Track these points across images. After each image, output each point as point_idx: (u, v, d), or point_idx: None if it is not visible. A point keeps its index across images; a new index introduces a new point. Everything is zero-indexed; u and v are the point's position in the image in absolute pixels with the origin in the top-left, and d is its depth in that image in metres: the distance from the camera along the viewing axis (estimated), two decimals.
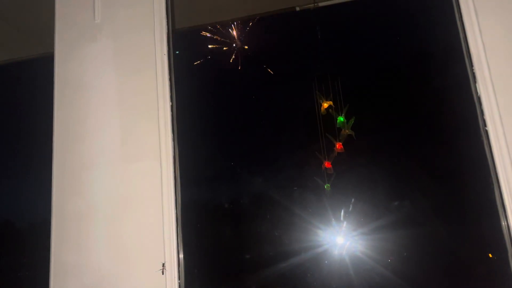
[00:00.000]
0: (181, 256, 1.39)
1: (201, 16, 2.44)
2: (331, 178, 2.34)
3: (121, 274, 1.37)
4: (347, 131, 2.41)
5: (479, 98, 1.30)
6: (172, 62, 1.53)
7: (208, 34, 2.16)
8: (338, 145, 2.40)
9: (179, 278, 1.34)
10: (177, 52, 1.61)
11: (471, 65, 1.32)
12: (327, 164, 2.39)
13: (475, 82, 1.32)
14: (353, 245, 1.97)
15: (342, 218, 2.07)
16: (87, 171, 1.47)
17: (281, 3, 2.49)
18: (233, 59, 2.40)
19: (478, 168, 1.44)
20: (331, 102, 2.48)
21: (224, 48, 2.31)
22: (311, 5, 2.49)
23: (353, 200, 2.09)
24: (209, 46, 2.25)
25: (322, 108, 2.48)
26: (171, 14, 1.55)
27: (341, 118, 2.42)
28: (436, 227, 1.91)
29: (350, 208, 2.09)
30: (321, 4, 2.49)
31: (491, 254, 1.77)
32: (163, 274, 1.34)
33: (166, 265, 1.34)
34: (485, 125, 1.29)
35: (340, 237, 2.01)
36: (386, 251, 1.89)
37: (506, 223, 1.24)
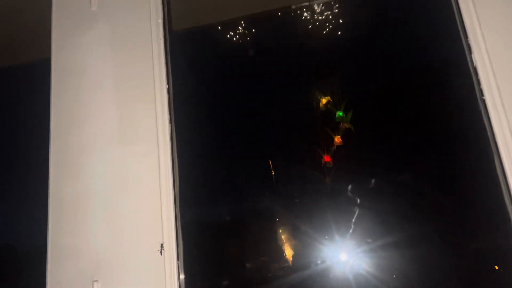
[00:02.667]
0: (180, 236, 1.37)
1: (195, 17, 2.46)
2: (331, 172, 2.33)
3: (119, 256, 1.35)
4: (345, 125, 2.41)
5: (475, 69, 1.30)
6: (168, 46, 1.53)
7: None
8: (337, 139, 2.39)
9: (177, 259, 1.32)
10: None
11: (466, 36, 1.32)
12: (326, 158, 2.38)
13: (470, 53, 1.32)
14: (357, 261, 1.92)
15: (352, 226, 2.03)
16: (84, 155, 1.47)
17: (277, 2, 2.51)
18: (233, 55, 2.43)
19: (484, 179, 1.43)
20: (329, 98, 2.48)
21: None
22: (307, 3, 2.52)
23: (357, 211, 2.06)
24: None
25: (320, 104, 2.49)
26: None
27: (339, 113, 2.43)
28: (440, 242, 1.88)
29: (355, 216, 2.07)
30: (316, 2, 2.52)
31: (497, 267, 1.75)
32: (161, 254, 1.31)
33: (165, 245, 1.32)
34: (482, 94, 1.28)
35: (344, 253, 1.97)
36: (391, 267, 1.86)
37: None
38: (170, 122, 1.46)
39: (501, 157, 1.23)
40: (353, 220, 2.03)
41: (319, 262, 1.94)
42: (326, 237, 1.96)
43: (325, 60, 2.47)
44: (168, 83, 1.49)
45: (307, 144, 2.39)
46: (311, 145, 2.36)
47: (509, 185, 1.21)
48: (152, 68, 1.49)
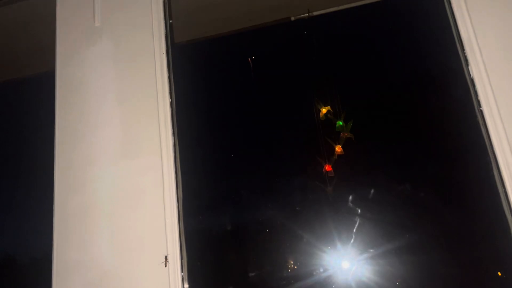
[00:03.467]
0: (184, 248, 1.38)
1: (195, 30, 2.49)
2: (332, 181, 2.35)
3: (124, 268, 1.36)
4: (346, 134, 2.43)
5: (472, 80, 1.33)
6: (170, 60, 1.56)
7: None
8: (338, 148, 2.41)
9: (182, 271, 1.34)
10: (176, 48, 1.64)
11: (463, 48, 1.35)
12: (327, 168, 2.40)
13: (467, 65, 1.34)
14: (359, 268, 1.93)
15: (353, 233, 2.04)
16: (88, 168, 1.49)
17: (276, 14, 2.55)
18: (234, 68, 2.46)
19: (483, 188, 1.45)
20: (329, 107, 2.51)
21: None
22: (306, 15, 2.55)
23: (358, 221, 2.07)
24: None
25: (320, 114, 2.51)
26: (169, 12, 1.60)
27: (340, 122, 2.45)
28: (442, 249, 1.89)
29: (356, 225, 2.08)
30: (315, 13, 2.55)
31: (500, 273, 1.75)
32: (165, 266, 1.33)
33: (169, 257, 1.34)
34: (479, 105, 1.31)
35: (346, 261, 1.98)
36: (392, 274, 1.86)
37: None
38: (173, 135, 1.48)
39: (499, 166, 1.25)
40: (354, 230, 2.04)
41: (321, 270, 1.95)
42: (329, 247, 1.98)
43: (324, 70, 2.50)
44: (170, 96, 1.52)
45: (308, 154, 2.41)
46: (312, 155, 2.38)
47: (507, 194, 1.23)
48: (155, 82, 1.52)
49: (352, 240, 2.02)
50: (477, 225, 1.83)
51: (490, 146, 1.27)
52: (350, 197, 2.19)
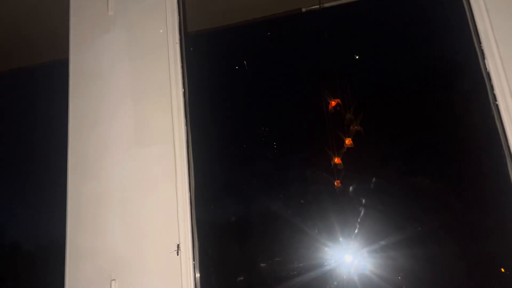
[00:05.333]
0: (196, 237, 1.39)
1: (208, 20, 2.49)
2: (341, 174, 2.35)
3: (136, 256, 1.37)
4: (356, 127, 2.43)
5: (488, 74, 1.32)
6: (184, 50, 1.56)
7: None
8: (348, 141, 2.41)
9: (193, 259, 1.35)
10: (191, 49, 1.65)
11: (479, 42, 1.34)
12: (337, 160, 2.40)
13: (483, 58, 1.33)
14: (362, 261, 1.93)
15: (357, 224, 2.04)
16: (102, 156, 1.50)
17: (287, 5, 2.53)
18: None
19: (496, 182, 1.44)
20: (339, 100, 2.50)
21: None
22: (317, 6, 2.53)
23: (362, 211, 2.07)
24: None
25: (330, 106, 2.51)
26: (182, 2, 1.59)
27: (349, 115, 2.45)
28: (447, 243, 1.88)
29: (360, 216, 2.08)
30: (326, 5, 2.53)
31: (503, 269, 1.75)
32: (177, 255, 1.34)
33: (181, 246, 1.35)
34: (495, 99, 1.30)
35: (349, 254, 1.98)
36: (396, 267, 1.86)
37: None
38: (186, 124, 1.48)
39: None
40: (359, 220, 2.05)
41: (330, 260, 1.96)
42: (340, 238, 1.98)
43: (335, 62, 2.49)
44: (184, 86, 1.52)
45: (318, 147, 2.41)
46: (322, 148, 2.38)
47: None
48: (168, 72, 1.52)
49: (357, 230, 2.03)
50: (487, 220, 1.83)
51: (505, 140, 1.27)
52: (358, 189, 2.20)
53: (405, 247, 1.84)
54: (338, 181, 2.34)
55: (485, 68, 1.33)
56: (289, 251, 1.94)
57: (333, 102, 2.51)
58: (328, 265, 1.94)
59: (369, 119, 2.39)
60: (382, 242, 1.91)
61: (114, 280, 1.35)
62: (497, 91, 1.29)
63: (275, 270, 1.91)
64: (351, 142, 2.40)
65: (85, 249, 1.41)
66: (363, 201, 2.12)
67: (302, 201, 2.18)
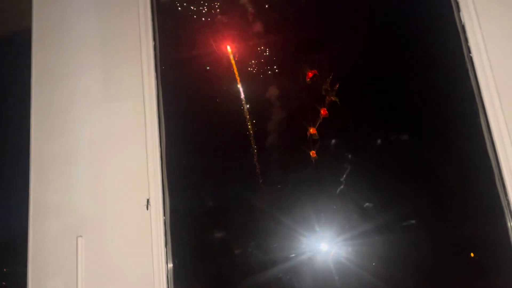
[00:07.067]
0: (167, 193, 1.35)
1: None
2: (316, 144, 2.34)
3: (104, 212, 1.32)
4: (332, 98, 2.41)
5: (463, 26, 1.31)
6: (154, 3, 1.50)
7: None
8: (323, 111, 2.40)
9: (164, 215, 1.31)
10: None
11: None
12: (312, 130, 2.38)
13: (458, 11, 1.32)
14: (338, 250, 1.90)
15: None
16: (67, 112, 1.43)
17: None
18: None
19: (475, 169, 1.43)
20: (316, 71, 2.48)
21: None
22: None
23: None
24: None
25: (306, 77, 2.48)
26: None
27: (325, 86, 2.43)
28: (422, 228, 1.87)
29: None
30: None
31: (473, 254, 1.76)
32: (147, 209, 1.30)
33: (151, 201, 1.30)
34: (469, 51, 1.29)
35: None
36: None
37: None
38: (156, 78, 1.43)
39: (496, 149, 1.25)
40: (337, 192, 2.03)
41: (306, 234, 1.93)
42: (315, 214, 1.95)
43: (317, 33, 2.45)
44: (154, 39, 1.46)
45: (293, 117, 2.38)
46: (297, 118, 2.36)
47: (503, 178, 1.23)
48: (138, 23, 1.46)
49: (335, 206, 2.01)
50: (460, 206, 1.82)
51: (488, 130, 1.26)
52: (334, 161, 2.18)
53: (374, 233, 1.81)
54: (314, 152, 2.33)
55: (460, 20, 1.32)
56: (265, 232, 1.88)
57: (310, 73, 2.49)
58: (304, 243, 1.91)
59: (346, 90, 2.37)
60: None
61: (80, 236, 1.30)
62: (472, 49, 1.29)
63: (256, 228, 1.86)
64: (327, 112, 2.39)
65: (50, 207, 1.35)
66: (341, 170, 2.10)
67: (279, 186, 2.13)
